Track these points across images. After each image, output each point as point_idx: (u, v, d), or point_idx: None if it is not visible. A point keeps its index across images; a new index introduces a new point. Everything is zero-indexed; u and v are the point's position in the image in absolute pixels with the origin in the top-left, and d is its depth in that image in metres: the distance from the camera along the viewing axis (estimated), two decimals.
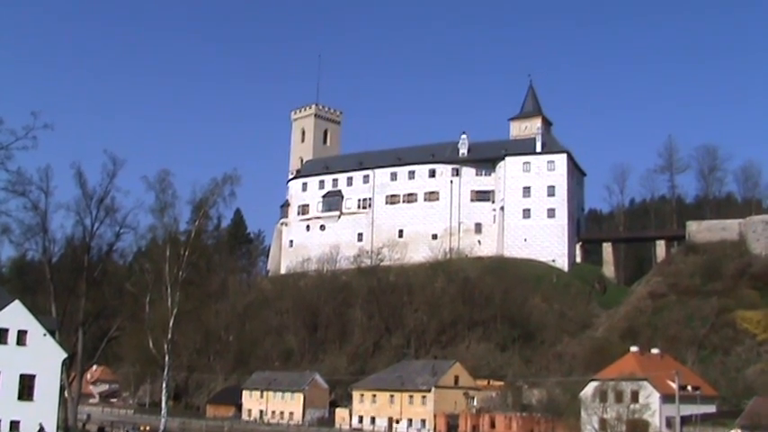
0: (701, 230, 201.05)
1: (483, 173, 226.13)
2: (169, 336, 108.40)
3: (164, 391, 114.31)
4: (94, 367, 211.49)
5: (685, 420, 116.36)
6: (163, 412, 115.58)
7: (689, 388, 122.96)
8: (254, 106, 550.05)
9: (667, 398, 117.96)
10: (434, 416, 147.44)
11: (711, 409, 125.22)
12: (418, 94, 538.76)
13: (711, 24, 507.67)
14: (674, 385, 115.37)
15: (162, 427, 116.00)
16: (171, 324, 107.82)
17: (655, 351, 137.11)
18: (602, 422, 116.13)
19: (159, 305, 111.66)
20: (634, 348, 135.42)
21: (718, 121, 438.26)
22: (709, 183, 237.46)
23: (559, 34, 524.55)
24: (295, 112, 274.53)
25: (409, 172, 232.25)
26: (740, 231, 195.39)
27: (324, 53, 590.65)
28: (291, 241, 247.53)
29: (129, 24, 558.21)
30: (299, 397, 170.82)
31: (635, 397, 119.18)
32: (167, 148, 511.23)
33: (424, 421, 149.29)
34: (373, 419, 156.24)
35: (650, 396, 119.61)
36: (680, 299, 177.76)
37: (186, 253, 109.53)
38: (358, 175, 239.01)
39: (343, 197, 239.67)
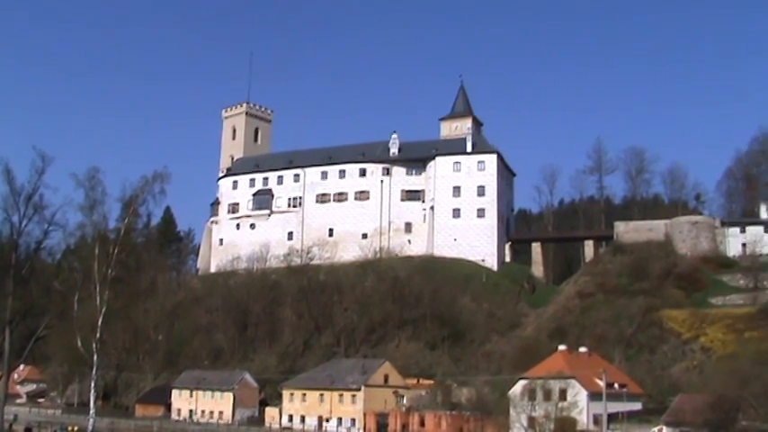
0: (628, 231, 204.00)
1: (413, 172, 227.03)
2: (98, 335, 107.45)
3: (92, 391, 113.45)
4: (21, 367, 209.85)
5: (612, 418, 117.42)
6: (91, 412, 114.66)
7: (616, 386, 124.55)
8: (185, 104, 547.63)
9: (594, 396, 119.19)
10: (364, 415, 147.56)
11: (637, 406, 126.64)
12: (350, 93, 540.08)
13: (639, 27, 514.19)
14: (602, 383, 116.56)
15: (90, 428, 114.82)
16: (100, 323, 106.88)
17: (582, 350, 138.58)
18: (531, 420, 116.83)
19: (88, 304, 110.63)
20: (562, 347, 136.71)
21: (646, 123, 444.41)
22: (637, 184, 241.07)
23: (491, 35, 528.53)
24: (226, 110, 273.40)
25: (340, 171, 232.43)
26: (666, 232, 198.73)
27: (256, 52, 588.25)
28: (221, 240, 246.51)
29: (58, 19, 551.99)
30: (229, 396, 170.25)
31: (563, 395, 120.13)
32: (97, 146, 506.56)
33: (353, 420, 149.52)
34: (303, 418, 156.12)
35: (578, 394, 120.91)
36: (607, 298, 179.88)
37: (115, 251, 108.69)
38: (288, 174, 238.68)
39: (273, 196, 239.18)
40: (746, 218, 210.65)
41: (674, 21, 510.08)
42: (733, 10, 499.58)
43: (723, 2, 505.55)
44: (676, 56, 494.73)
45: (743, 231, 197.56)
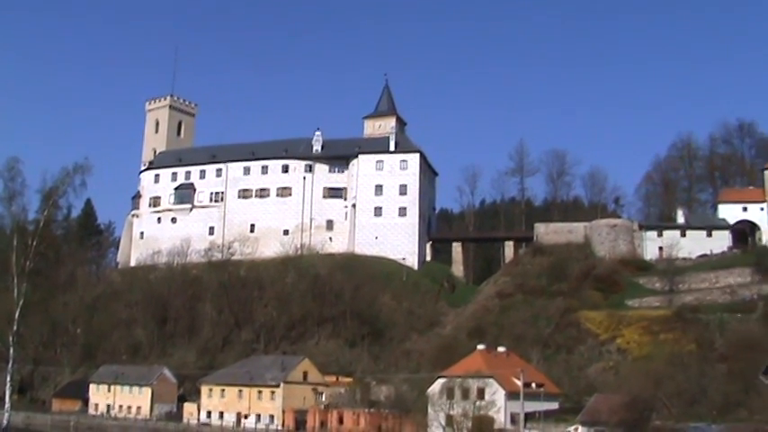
0: (548, 232, 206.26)
1: (336, 170, 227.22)
2: (14, 327, 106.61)
3: (8, 385, 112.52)
4: None
5: (529, 417, 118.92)
6: (7, 407, 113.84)
7: (533, 385, 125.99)
8: (108, 96, 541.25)
9: (512, 395, 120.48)
10: (283, 411, 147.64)
11: (554, 405, 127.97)
12: (274, 89, 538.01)
13: (561, 31, 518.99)
14: (519, 383, 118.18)
15: (5, 422, 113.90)
16: (17, 315, 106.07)
17: (501, 349, 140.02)
18: (449, 418, 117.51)
19: (5, 296, 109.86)
20: (481, 346, 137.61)
21: (568, 126, 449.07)
22: (558, 186, 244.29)
23: (416, 35, 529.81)
24: (150, 103, 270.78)
25: (262, 167, 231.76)
26: (586, 234, 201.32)
27: (181, 45, 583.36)
28: (142, 233, 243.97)
29: None
30: (147, 391, 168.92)
31: (481, 394, 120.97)
32: (17, 136, 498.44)
33: (272, 417, 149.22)
34: (222, 415, 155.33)
35: (496, 393, 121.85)
36: (526, 299, 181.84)
37: (34, 243, 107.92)
38: (211, 169, 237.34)
39: (195, 190, 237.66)
40: (664, 222, 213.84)
41: (595, 26, 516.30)
42: (654, 16, 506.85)
43: (645, 8, 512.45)
44: (598, 60, 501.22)
45: (660, 235, 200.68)
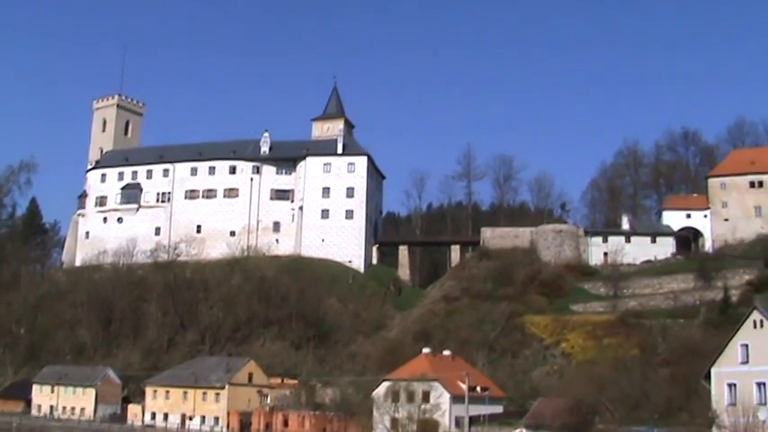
0: (494, 237, 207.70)
1: (284, 172, 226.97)
2: None
3: None
4: None
5: (474, 420, 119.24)
6: None
7: (478, 389, 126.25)
8: (55, 93, 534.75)
9: (457, 398, 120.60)
10: (228, 413, 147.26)
11: (499, 409, 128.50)
12: (222, 90, 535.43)
13: (510, 37, 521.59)
14: (464, 386, 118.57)
15: None
16: None
17: (446, 353, 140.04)
18: (394, 421, 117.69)
19: None
20: (426, 350, 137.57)
21: (516, 132, 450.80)
22: (504, 191, 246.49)
23: (366, 38, 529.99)
24: (97, 102, 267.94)
25: (210, 168, 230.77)
26: (532, 239, 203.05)
27: (129, 44, 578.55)
28: (88, 233, 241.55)
29: None
30: (91, 392, 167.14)
31: (426, 397, 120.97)
32: None
33: (217, 418, 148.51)
34: (166, 416, 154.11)
35: (441, 396, 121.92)
36: (472, 303, 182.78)
37: None
38: (158, 169, 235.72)
39: (142, 190, 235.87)
40: (609, 228, 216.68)
41: (542, 32, 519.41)
42: (601, 24, 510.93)
43: (592, 15, 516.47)
44: (545, 67, 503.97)
45: (605, 241, 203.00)
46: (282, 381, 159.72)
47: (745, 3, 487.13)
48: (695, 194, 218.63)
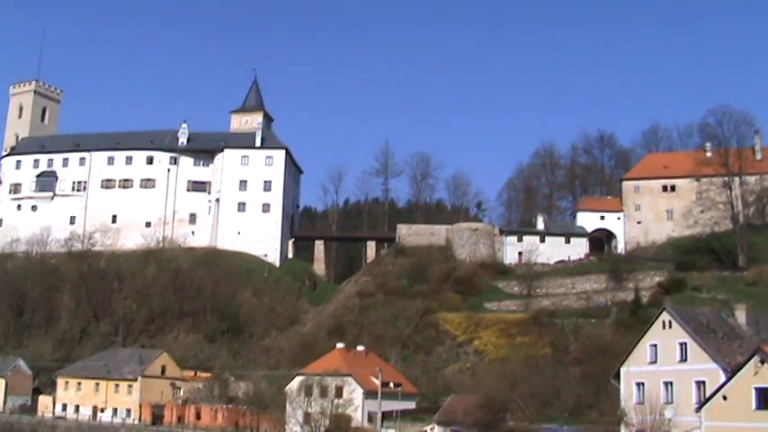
0: (410, 234, 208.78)
1: (201, 163, 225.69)
2: None
3: None
4: None
5: (386, 415, 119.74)
6: None
7: (391, 385, 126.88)
8: None
9: (370, 393, 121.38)
10: (140, 405, 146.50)
11: (411, 405, 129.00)
12: (142, 79, 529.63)
13: (430, 36, 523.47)
14: (377, 382, 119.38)
15: None
16: None
17: (360, 348, 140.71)
18: (307, 416, 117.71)
19: None
20: (340, 345, 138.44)
21: (434, 130, 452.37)
22: (421, 189, 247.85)
23: (288, 32, 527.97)
24: (14, 87, 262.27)
25: (127, 157, 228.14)
26: (447, 237, 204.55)
27: (48, 29, 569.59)
28: (1, 220, 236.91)
29: None
30: (1, 383, 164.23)
31: (339, 392, 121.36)
32: None
33: (129, 411, 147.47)
34: (77, 408, 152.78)
35: (354, 391, 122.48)
36: (387, 299, 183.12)
37: None
38: (74, 157, 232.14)
39: (57, 178, 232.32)
40: (524, 228, 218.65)
41: (463, 30, 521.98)
42: (524, 26, 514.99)
43: (509, 15, 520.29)
44: (465, 66, 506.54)
45: (520, 240, 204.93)
46: (196, 374, 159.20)
47: (662, 10, 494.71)
48: (609, 197, 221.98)
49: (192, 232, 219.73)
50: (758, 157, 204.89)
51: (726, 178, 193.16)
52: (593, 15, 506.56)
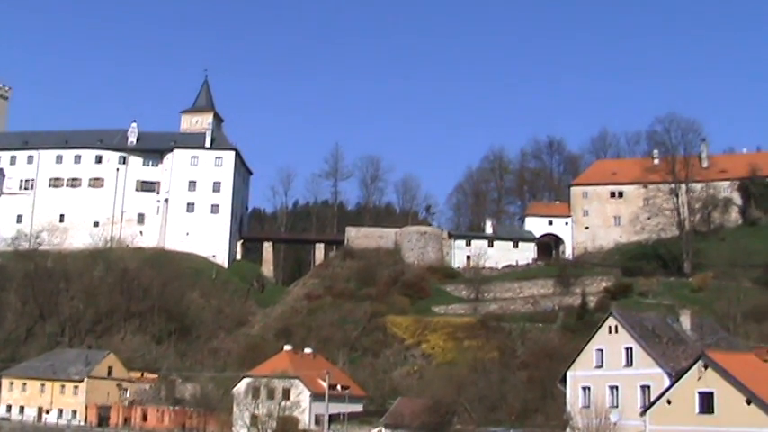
0: (359, 237, 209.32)
1: (150, 163, 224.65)
2: None
3: None
4: None
5: (333, 418, 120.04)
6: None
7: (339, 387, 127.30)
8: None
9: (317, 396, 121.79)
10: (86, 407, 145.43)
11: (359, 408, 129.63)
12: (91, 77, 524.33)
13: (381, 40, 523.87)
14: (325, 384, 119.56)
15: None
16: None
17: (308, 350, 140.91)
18: (254, 418, 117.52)
19: None
20: (288, 347, 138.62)
21: (384, 133, 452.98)
22: (371, 192, 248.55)
23: (239, 33, 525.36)
24: None
25: (75, 156, 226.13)
26: (396, 240, 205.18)
27: None
28: None
29: None
30: None
31: (286, 394, 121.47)
32: None
33: (75, 412, 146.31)
34: (22, 409, 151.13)
35: (301, 394, 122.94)
36: (335, 301, 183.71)
37: None
38: (22, 155, 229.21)
39: (4, 176, 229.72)
40: (472, 232, 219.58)
41: (413, 37, 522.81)
42: (470, 28, 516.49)
43: (462, 17, 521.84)
44: (416, 71, 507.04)
45: (468, 244, 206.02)
46: (142, 375, 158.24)
47: (611, 19, 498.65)
48: (558, 202, 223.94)
49: (141, 232, 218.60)
50: (704, 164, 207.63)
51: (673, 185, 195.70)
52: (542, 23, 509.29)
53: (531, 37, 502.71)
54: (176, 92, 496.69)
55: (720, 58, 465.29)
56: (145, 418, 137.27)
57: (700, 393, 73.03)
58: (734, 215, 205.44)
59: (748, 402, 69.07)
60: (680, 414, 73.94)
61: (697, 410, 73.01)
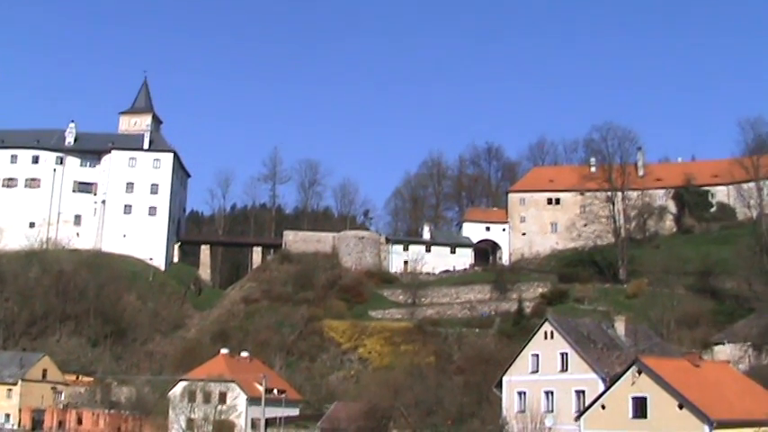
0: (297, 240, 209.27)
1: (88, 164, 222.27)
2: None
3: None
4: None
5: (270, 422, 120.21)
6: None
7: (275, 391, 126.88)
8: None
9: (254, 400, 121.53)
10: (20, 410, 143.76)
11: (295, 412, 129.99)
12: (29, 76, 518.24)
13: (318, 44, 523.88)
14: (261, 388, 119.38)
15: None
16: None
17: (244, 354, 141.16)
18: (190, 422, 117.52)
19: None
20: (224, 351, 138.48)
21: (322, 138, 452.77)
22: (309, 196, 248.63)
23: (179, 35, 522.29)
24: None
25: (11, 156, 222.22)
26: (334, 245, 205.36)
27: None
28: None
29: None
30: None
31: (223, 398, 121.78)
32: None
33: (8, 415, 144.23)
34: None
35: (237, 398, 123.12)
36: (272, 305, 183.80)
37: None
38: None
39: None
40: (410, 237, 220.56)
41: (352, 42, 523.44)
42: (408, 32, 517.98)
43: (402, 27, 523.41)
44: (354, 76, 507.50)
45: (406, 249, 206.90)
46: (78, 378, 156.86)
47: (550, 28, 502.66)
48: (495, 208, 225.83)
49: (78, 234, 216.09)
50: (640, 173, 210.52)
51: (609, 193, 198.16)
52: (481, 30, 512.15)
53: (471, 44, 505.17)
54: (115, 93, 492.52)
55: (657, 69, 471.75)
56: (80, 421, 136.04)
57: (633, 398, 74.20)
58: (668, 223, 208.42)
59: (680, 407, 70.36)
60: (614, 419, 75.05)
61: (631, 415, 74.17)
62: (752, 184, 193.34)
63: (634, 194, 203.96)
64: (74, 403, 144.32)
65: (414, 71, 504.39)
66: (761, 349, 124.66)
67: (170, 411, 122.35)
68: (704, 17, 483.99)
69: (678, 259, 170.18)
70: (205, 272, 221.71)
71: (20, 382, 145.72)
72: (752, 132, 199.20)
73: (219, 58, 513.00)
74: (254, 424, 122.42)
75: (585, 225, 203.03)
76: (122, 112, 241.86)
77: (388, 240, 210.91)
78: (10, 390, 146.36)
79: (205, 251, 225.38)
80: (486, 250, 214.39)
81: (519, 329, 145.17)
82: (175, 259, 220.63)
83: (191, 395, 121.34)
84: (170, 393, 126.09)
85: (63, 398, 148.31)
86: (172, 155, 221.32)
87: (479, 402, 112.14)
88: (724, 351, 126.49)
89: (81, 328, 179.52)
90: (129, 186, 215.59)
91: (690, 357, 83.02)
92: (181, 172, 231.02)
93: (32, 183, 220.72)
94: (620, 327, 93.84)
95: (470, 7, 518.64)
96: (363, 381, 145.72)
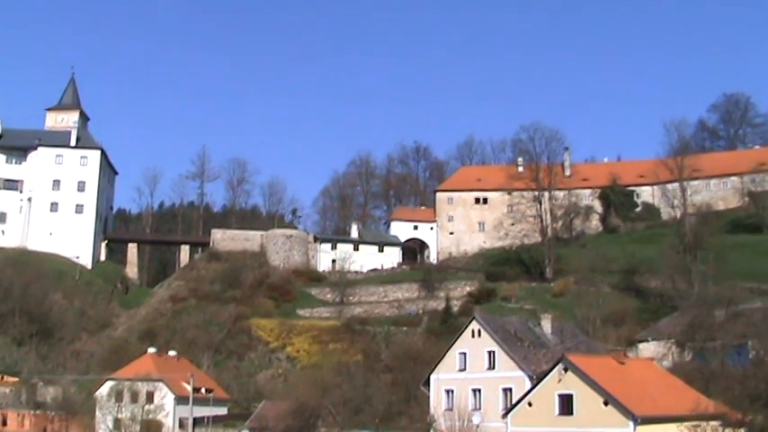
0: (225, 239, 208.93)
1: (14, 161, 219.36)
2: None
3: None
4: None
5: (198, 421, 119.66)
6: None
7: (203, 390, 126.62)
8: None
9: (181, 399, 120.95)
10: None
11: (223, 411, 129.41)
12: None
13: (246, 43, 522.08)
14: (189, 387, 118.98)
15: None
16: None
17: (172, 353, 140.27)
18: (117, 422, 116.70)
19: None
20: (152, 350, 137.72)
21: (250, 136, 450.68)
22: (237, 194, 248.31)
23: (106, 31, 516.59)
24: None
25: None
26: (262, 243, 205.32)
27: None
28: None
29: None
30: None
31: (150, 397, 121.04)
32: None
33: None
34: None
35: (165, 397, 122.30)
36: (200, 304, 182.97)
37: None
38: None
39: None
40: (338, 235, 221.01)
41: (281, 37, 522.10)
42: (339, 35, 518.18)
43: (333, 25, 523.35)
44: (284, 72, 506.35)
45: (334, 248, 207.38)
46: (2, 378, 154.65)
47: (477, 28, 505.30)
48: (423, 207, 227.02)
49: (3, 232, 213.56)
50: (567, 173, 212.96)
51: (536, 193, 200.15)
52: (411, 30, 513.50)
53: (398, 44, 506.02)
54: (42, 89, 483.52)
55: (583, 71, 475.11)
56: (5, 422, 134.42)
57: (559, 395, 75.27)
58: (594, 222, 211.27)
59: (606, 404, 71.50)
60: (540, 416, 76.07)
61: (557, 412, 75.22)
62: (676, 185, 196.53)
63: (561, 194, 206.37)
64: None
65: (342, 70, 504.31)
66: (684, 346, 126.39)
67: (97, 411, 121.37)
68: (627, 20, 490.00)
69: (604, 258, 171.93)
70: (132, 270, 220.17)
71: None
72: (676, 134, 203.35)
73: (148, 56, 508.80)
74: (181, 423, 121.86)
75: (513, 224, 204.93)
76: (49, 109, 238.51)
77: (316, 239, 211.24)
78: None
79: (132, 249, 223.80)
80: (414, 249, 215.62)
81: (447, 328, 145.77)
82: (102, 257, 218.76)
83: (118, 395, 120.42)
84: (97, 393, 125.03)
85: None
86: (99, 152, 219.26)
87: (407, 400, 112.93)
88: (648, 348, 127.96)
89: (6, 327, 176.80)
90: (56, 184, 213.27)
91: (615, 355, 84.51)
92: (108, 169, 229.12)
93: None
94: (546, 325, 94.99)
95: (398, 7, 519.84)
96: (291, 379, 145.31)
